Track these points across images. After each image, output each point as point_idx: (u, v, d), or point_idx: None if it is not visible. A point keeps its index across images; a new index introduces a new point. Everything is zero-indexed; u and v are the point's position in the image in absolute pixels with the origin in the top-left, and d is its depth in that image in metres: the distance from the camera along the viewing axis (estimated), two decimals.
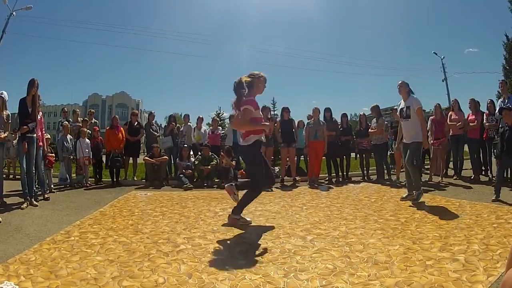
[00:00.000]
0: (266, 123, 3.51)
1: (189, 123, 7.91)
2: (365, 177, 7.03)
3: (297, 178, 6.81)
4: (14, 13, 15.71)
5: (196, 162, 6.68)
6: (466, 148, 6.77)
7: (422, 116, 4.45)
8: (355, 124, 9.58)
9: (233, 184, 3.65)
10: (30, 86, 4.49)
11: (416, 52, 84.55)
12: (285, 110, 6.91)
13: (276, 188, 5.97)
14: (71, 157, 6.54)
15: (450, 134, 6.57)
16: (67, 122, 6.87)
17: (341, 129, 7.13)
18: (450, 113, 6.66)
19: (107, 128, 7.24)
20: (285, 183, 6.53)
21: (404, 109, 4.45)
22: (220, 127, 8.70)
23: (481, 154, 6.55)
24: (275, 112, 15.04)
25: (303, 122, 7.47)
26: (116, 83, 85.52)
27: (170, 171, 7.35)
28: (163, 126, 10.62)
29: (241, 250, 2.71)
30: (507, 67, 20.76)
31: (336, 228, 3.23)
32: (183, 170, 6.66)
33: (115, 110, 48.67)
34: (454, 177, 6.51)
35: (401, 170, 6.55)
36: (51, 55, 79.13)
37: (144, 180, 6.94)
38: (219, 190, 5.69)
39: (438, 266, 2.20)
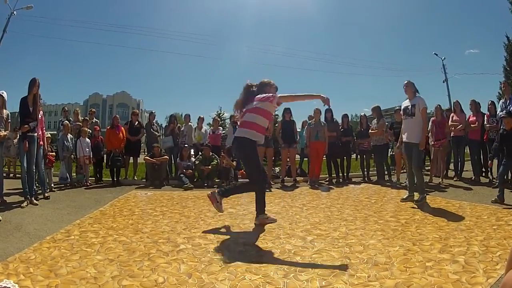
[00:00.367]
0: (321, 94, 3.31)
1: (189, 123, 7.91)
2: (366, 178, 7.02)
3: (297, 178, 6.82)
4: (15, 12, 15.77)
5: (197, 162, 6.69)
6: (466, 149, 6.77)
7: (426, 117, 4.47)
8: (355, 125, 9.57)
9: (219, 191, 3.47)
10: (31, 85, 4.49)
11: (417, 53, 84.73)
12: (287, 111, 6.92)
13: (277, 188, 5.97)
14: (72, 156, 6.56)
15: (451, 135, 6.56)
16: (67, 121, 6.88)
17: (341, 130, 7.14)
18: (452, 114, 6.66)
19: (108, 127, 7.25)
20: (285, 183, 6.54)
21: (409, 107, 4.45)
22: (220, 127, 8.69)
23: (481, 156, 6.53)
24: (276, 113, 14.98)
25: (307, 121, 7.48)
26: (117, 82, 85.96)
27: (170, 171, 7.35)
28: (163, 126, 10.62)
29: (241, 250, 2.70)
30: (508, 68, 20.65)
31: (336, 229, 3.23)
32: (184, 170, 6.67)
33: (116, 110, 48.88)
34: (455, 179, 6.50)
35: (401, 171, 6.57)
36: (51, 54, 79.43)
37: (145, 180, 6.94)
38: None
39: (438, 267, 2.20)
